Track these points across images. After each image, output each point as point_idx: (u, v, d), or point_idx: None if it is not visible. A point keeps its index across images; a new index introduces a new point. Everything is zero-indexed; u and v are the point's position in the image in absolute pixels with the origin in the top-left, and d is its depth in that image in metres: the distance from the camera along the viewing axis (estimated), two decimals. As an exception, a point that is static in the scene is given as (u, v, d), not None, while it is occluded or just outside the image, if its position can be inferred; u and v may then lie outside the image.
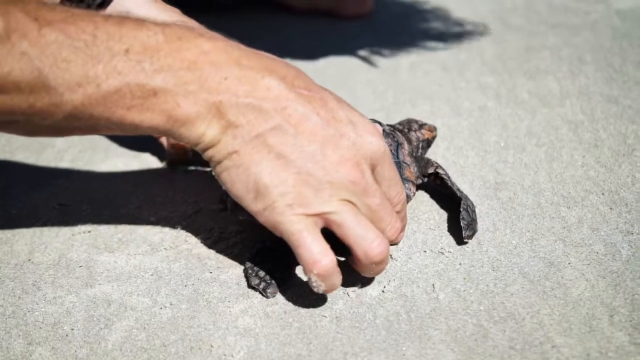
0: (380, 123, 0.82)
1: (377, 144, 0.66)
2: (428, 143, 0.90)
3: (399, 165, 0.81)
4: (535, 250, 0.77)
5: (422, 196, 0.87)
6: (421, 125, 0.89)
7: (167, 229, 0.84)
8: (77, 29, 0.59)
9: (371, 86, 1.14)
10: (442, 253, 0.78)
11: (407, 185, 0.80)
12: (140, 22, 0.62)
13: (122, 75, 0.60)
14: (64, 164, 0.96)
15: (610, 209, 0.82)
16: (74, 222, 0.85)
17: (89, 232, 0.83)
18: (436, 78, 1.15)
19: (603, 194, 0.85)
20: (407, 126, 0.89)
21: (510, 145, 0.96)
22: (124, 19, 0.62)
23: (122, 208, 0.88)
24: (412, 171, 0.82)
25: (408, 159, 0.82)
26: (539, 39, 1.25)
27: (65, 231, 0.83)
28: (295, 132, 0.63)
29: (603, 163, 0.91)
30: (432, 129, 0.90)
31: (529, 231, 0.80)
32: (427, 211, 0.85)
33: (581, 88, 1.08)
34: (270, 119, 0.63)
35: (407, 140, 0.85)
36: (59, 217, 0.86)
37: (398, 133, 0.84)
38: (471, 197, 0.86)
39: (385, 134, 0.82)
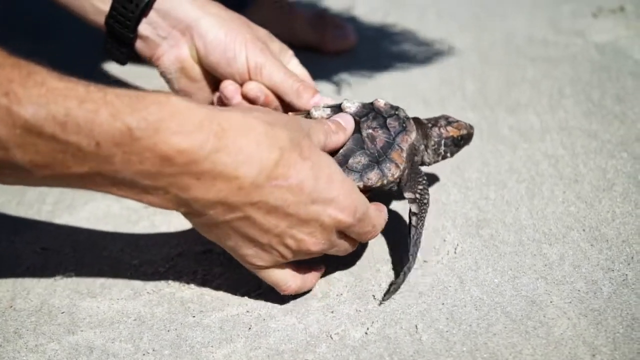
0: (398, 108, 0.84)
1: (343, 221, 0.71)
2: (454, 141, 0.87)
3: (391, 145, 0.81)
4: (518, 288, 0.78)
5: (404, 233, 0.87)
6: (450, 122, 0.88)
7: (149, 272, 0.84)
8: (48, 113, 0.57)
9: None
10: (425, 293, 0.78)
11: (388, 165, 0.80)
12: (114, 113, 0.59)
13: (92, 166, 0.60)
14: (47, 206, 0.96)
15: (591, 245, 0.83)
16: (56, 266, 0.85)
17: (72, 276, 0.83)
18: (418, 113, 1.15)
19: (584, 230, 0.86)
20: (434, 121, 0.88)
21: (492, 182, 0.97)
22: (98, 106, 0.58)
23: (104, 251, 0.88)
24: (401, 156, 0.81)
25: (405, 146, 0.81)
26: (518, 73, 1.27)
27: (47, 276, 0.83)
28: (262, 220, 0.67)
29: (583, 199, 0.91)
30: (461, 127, 0.88)
31: (511, 269, 0.81)
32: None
33: (561, 122, 1.09)
34: (238, 211, 0.66)
35: (423, 134, 0.86)
36: (41, 261, 0.86)
37: (412, 123, 0.84)
38: (453, 235, 0.87)
39: (396, 118, 0.82)
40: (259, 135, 0.65)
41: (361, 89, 1.26)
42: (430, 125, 0.87)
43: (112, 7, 0.88)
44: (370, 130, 0.80)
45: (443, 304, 0.76)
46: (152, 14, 0.89)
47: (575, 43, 1.36)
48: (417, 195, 0.82)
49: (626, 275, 0.78)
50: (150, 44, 0.91)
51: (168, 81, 0.93)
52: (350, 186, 0.72)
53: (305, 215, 0.69)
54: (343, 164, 0.78)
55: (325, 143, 0.76)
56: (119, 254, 0.87)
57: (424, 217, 0.81)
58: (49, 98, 0.57)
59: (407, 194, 0.81)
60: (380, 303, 0.77)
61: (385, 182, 0.79)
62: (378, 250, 0.85)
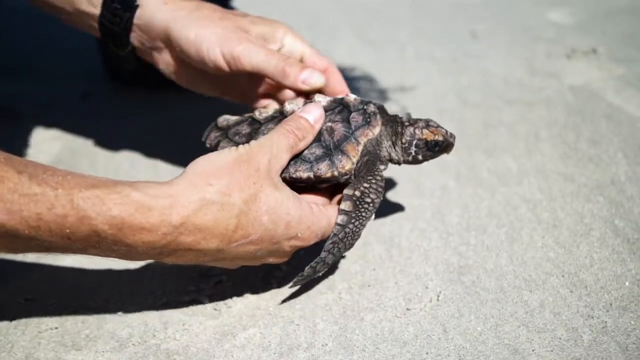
0: (373, 104, 0.86)
1: (307, 246, 0.81)
2: (427, 145, 0.87)
3: (347, 138, 0.83)
4: (500, 336, 0.79)
5: (388, 281, 0.89)
6: (428, 126, 0.87)
7: (135, 323, 0.84)
8: (21, 218, 0.65)
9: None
10: (409, 342, 0.79)
11: (340, 157, 0.82)
12: (81, 217, 0.67)
13: (68, 250, 0.71)
14: (30, 256, 0.96)
15: (571, 291, 0.85)
16: (40, 317, 0.85)
17: (56, 328, 0.83)
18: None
19: (563, 276, 0.88)
20: (414, 121, 0.87)
21: (472, 226, 0.99)
22: (66, 210, 0.66)
23: (89, 301, 0.87)
24: (356, 149, 0.83)
25: (363, 140, 0.83)
26: (495, 115, 1.30)
27: (32, 328, 0.83)
28: (230, 262, 0.80)
29: (562, 244, 0.93)
30: (438, 133, 0.86)
31: (493, 317, 0.82)
32: (392, 297, 0.86)
33: (538, 166, 1.12)
34: (207, 256, 0.76)
35: (392, 131, 0.86)
36: (25, 312, 0.85)
37: (379, 119, 0.85)
38: (435, 282, 0.88)
39: (362, 112, 0.85)
40: (215, 212, 0.72)
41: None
42: (407, 124, 0.87)
43: (101, 24, 0.94)
44: (330, 124, 0.84)
45: (427, 353, 0.77)
46: (135, 29, 0.94)
47: (550, 85, 1.39)
48: (357, 193, 0.82)
49: (605, 322, 0.79)
50: (144, 53, 0.97)
51: (173, 80, 0.99)
52: (308, 219, 0.78)
53: (271, 250, 0.79)
54: (299, 154, 0.82)
55: (293, 153, 0.82)
56: (103, 304, 0.87)
57: (363, 217, 0.81)
58: (22, 205, 0.65)
59: (345, 190, 0.82)
60: (291, 286, 0.83)
61: (336, 173, 0.82)
62: (362, 299, 0.86)
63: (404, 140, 0.87)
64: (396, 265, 0.92)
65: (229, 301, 0.87)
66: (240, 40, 0.90)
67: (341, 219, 0.81)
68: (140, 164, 1.18)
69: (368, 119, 0.85)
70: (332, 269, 0.91)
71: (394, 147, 0.87)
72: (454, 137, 0.89)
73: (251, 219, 0.74)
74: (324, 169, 0.82)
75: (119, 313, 0.85)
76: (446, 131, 0.88)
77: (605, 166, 1.09)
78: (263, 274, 0.92)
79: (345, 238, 0.80)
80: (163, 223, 0.69)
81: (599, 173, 1.08)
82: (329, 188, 0.87)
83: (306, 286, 0.88)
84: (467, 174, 1.12)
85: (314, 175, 0.82)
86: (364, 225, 0.81)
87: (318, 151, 0.83)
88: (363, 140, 0.84)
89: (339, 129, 0.84)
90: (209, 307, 0.86)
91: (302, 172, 0.82)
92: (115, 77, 1.45)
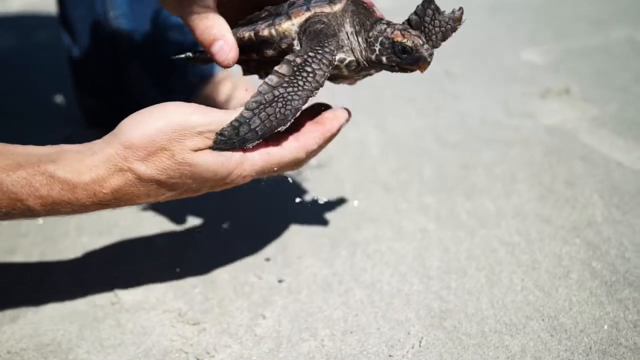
0: None
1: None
2: (394, 47, 0.79)
3: (300, 7, 0.82)
4: (482, 383, 0.79)
5: (370, 326, 0.89)
6: (403, 30, 0.79)
7: (117, 375, 0.83)
8: None
9: (315, 209, 1.17)
10: (393, 390, 0.79)
11: (281, 17, 0.83)
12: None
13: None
14: (10, 306, 0.95)
15: (551, 335, 0.86)
16: (21, 371, 0.84)
17: (37, 382, 0.82)
18: (379, 199, 1.19)
19: (543, 319, 0.89)
20: (391, 23, 0.81)
21: (453, 270, 1.00)
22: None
23: (70, 353, 0.87)
24: (300, 15, 0.82)
25: (314, 10, 0.81)
26: (474, 156, 1.31)
27: (12, 382, 0.82)
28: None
29: (541, 287, 0.95)
30: (409, 37, 0.78)
31: (475, 363, 0.83)
32: (375, 344, 0.86)
33: (516, 207, 1.13)
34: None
35: (359, 21, 0.82)
36: (5, 366, 0.85)
37: (345, 3, 0.82)
38: (417, 327, 0.89)
39: None
40: (137, 184, 0.79)
41: (321, 176, 1.28)
42: (382, 21, 0.82)
43: None
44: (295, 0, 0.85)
45: (410, 401, 0.78)
46: None
47: (526, 125, 1.42)
48: (298, 60, 0.79)
49: (585, 367, 0.81)
50: None
51: None
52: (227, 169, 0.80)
53: (212, 187, 0.83)
54: (251, 22, 0.85)
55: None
56: (84, 356, 0.86)
57: (298, 86, 0.77)
58: None
59: (287, 56, 0.80)
60: (213, 148, 0.78)
61: (273, 31, 0.82)
62: (345, 347, 0.87)
63: (370, 34, 0.81)
64: (378, 311, 0.92)
65: (211, 351, 0.87)
66: None
67: (270, 78, 0.78)
68: (122, 210, 1.17)
69: (333, 1, 0.83)
70: (313, 314, 0.92)
71: (357, 37, 0.82)
72: (431, 54, 0.79)
73: (171, 184, 0.79)
74: (262, 27, 0.83)
75: (101, 365, 0.85)
76: (422, 42, 0.79)
77: (581, 208, 1.11)
78: (247, 320, 0.92)
79: (274, 102, 0.76)
80: (88, 196, 0.77)
81: (575, 215, 1.10)
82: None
83: (289, 333, 0.88)
84: (447, 216, 1.13)
85: (254, 34, 0.83)
86: (299, 97, 0.77)
87: (269, 19, 0.84)
88: (315, 10, 0.82)
89: (300, 2, 0.84)
90: (191, 357, 0.85)
91: (245, 32, 0.84)
92: (94, 125, 1.46)
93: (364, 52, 0.82)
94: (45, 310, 0.95)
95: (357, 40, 0.82)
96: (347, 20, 0.83)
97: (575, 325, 0.87)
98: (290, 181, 1.22)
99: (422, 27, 0.82)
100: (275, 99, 0.77)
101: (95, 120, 1.45)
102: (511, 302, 0.92)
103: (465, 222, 1.11)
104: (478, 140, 1.38)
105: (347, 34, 0.83)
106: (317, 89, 0.79)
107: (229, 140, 0.77)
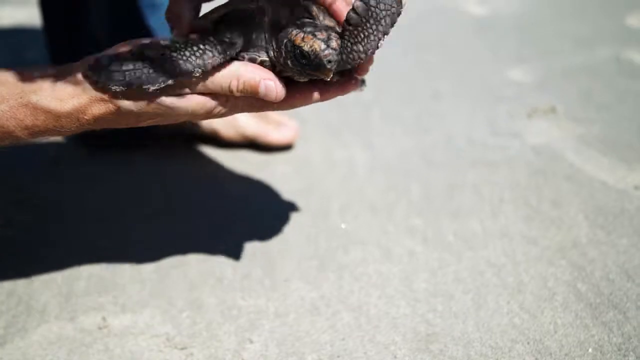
0: None
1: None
2: (294, 51, 0.73)
3: None
4: (468, 408, 0.80)
5: (357, 351, 0.89)
6: (312, 33, 0.72)
7: (104, 402, 0.83)
8: None
9: (303, 231, 1.17)
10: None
11: None
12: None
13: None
14: (-3, 333, 0.95)
15: (536, 359, 0.86)
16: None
17: (24, 410, 0.82)
18: (366, 221, 1.19)
19: (528, 343, 0.89)
20: (305, 25, 0.75)
21: (439, 292, 1.00)
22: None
23: (57, 380, 0.87)
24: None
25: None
26: (460, 176, 1.32)
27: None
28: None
29: (527, 309, 0.95)
30: (308, 42, 0.71)
31: (461, 387, 0.83)
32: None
33: (502, 228, 1.14)
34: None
35: (272, 21, 0.76)
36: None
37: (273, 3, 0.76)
38: (404, 351, 0.89)
39: None
40: None
41: (308, 197, 1.29)
42: (297, 23, 0.75)
43: None
44: None
45: None
46: None
47: (512, 145, 1.43)
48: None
49: (570, 391, 0.81)
50: None
51: None
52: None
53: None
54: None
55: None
56: (72, 383, 0.86)
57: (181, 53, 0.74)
58: None
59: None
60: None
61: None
62: None
63: (280, 35, 0.74)
64: (365, 335, 0.93)
65: (198, 376, 0.87)
66: None
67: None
68: (110, 229, 1.18)
69: None
70: (300, 338, 0.92)
71: (271, 36, 0.76)
72: (330, 60, 0.72)
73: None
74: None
75: (88, 392, 0.85)
76: (325, 47, 0.71)
77: (567, 229, 1.12)
78: (234, 344, 0.92)
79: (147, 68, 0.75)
80: (72, 122, 0.80)
81: (560, 235, 1.11)
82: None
83: (275, 358, 0.88)
84: (434, 237, 1.14)
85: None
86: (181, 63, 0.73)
87: None
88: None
89: None
90: (178, 383, 0.86)
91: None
92: (83, 144, 1.46)
93: (276, 53, 0.75)
94: (33, 336, 0.95)
95: (272, 43, 0.76)
96: (271, 17, 0.76)
97: (560, 349, 0.88)
98: (279, 202, 1.22)
99: (370, 14, 0.72)
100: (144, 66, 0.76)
101: (84, 136, 1.45)
102: (497, 325, 0.93)
103: (452, 243, 1.12)
104: (465, 160, 1.39)
105: (260, 29, 0.76)
106: (200, 67, 0.74)
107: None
